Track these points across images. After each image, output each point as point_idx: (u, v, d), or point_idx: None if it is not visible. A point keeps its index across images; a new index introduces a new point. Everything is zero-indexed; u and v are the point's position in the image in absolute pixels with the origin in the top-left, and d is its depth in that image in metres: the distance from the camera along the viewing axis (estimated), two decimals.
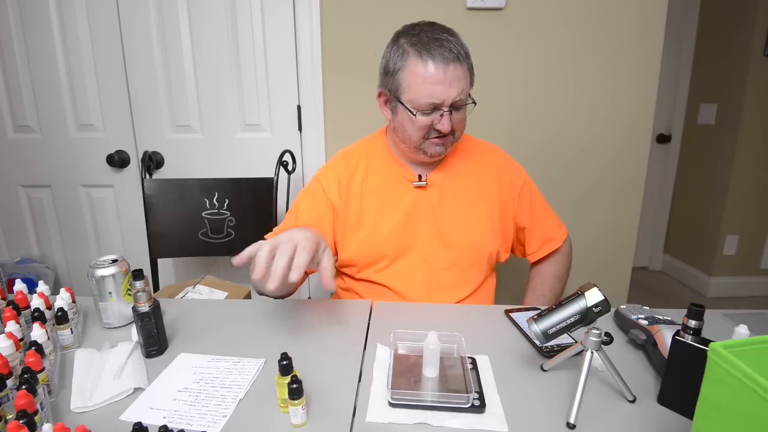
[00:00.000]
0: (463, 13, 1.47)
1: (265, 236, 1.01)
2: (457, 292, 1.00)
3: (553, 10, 1.47)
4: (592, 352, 0.60)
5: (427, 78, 0.86)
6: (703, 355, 0.44)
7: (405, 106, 0.90)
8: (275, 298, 0.98)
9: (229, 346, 0.76)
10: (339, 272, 1.09)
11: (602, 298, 0.62)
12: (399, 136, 0.96)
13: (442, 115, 0.88)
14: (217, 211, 1.51)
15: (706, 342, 0.57)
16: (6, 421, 0.49)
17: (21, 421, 0.46)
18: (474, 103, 0.92)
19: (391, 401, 0.60)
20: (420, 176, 0.99)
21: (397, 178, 1.01)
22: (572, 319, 0.63)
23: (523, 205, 1.06)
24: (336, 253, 1.04)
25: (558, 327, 0.63)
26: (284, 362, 0.57)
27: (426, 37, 0.87)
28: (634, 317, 0.77)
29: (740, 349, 0.43)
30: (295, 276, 0.65)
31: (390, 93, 0.93)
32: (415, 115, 0.89)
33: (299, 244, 0.68)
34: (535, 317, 0.65)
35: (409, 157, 0.99)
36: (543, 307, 0.72)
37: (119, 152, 1.66)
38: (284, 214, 1.50)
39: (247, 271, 0.75)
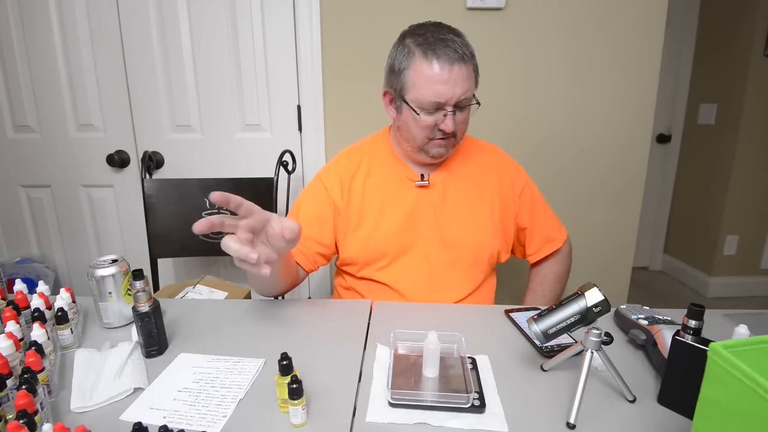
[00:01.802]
0: (463, 13, 1.47)
1: None
2: (458, 291, 1.00)
3: (553, 10, 1.47)
4: (592, 352, 0.60)
5: (432, 77, 0.86)
6: (703, 355, 0.44)
7: (409, 105, 0.90)
8: (275, 297, 0.98)
9: (229, 346, 0.76)
10: (340, 271, 1.09)
11: (602, 298, 0.62)
12: (403, 135, 0.96)
13: (445, 115, 0.88)
14: (217, 211, 1.50)
15: (706, 342, 0.57)
16: (6, 421, 0.49)
17: (21, 421, 0.46)
18: (478, 103, 0.92)
19: (391, 401, 0.60)
20: (422, 176, 0.99)
21: (400, 178, 1.01)
22: (572, 319, 0.63)
23: (524, 206, 1.06)
24: (337, 252, 1.05)
25: (558, 327, 0.63)
26: (284, 362, 0.57)
27: (432, 37, 0.87)
28: (634, 317, 0.77)
29: (740, 349, 0.43)
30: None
31: (395, 92, 0.93)
32: (419, 114, 0.89)
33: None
34: (535, 317, 0.65)
35: (412, 157, 0.99)
36: (543, 307, 0.72)
37: (119, 152, 1.66)
38: (284, 215, 1.50)
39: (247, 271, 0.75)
